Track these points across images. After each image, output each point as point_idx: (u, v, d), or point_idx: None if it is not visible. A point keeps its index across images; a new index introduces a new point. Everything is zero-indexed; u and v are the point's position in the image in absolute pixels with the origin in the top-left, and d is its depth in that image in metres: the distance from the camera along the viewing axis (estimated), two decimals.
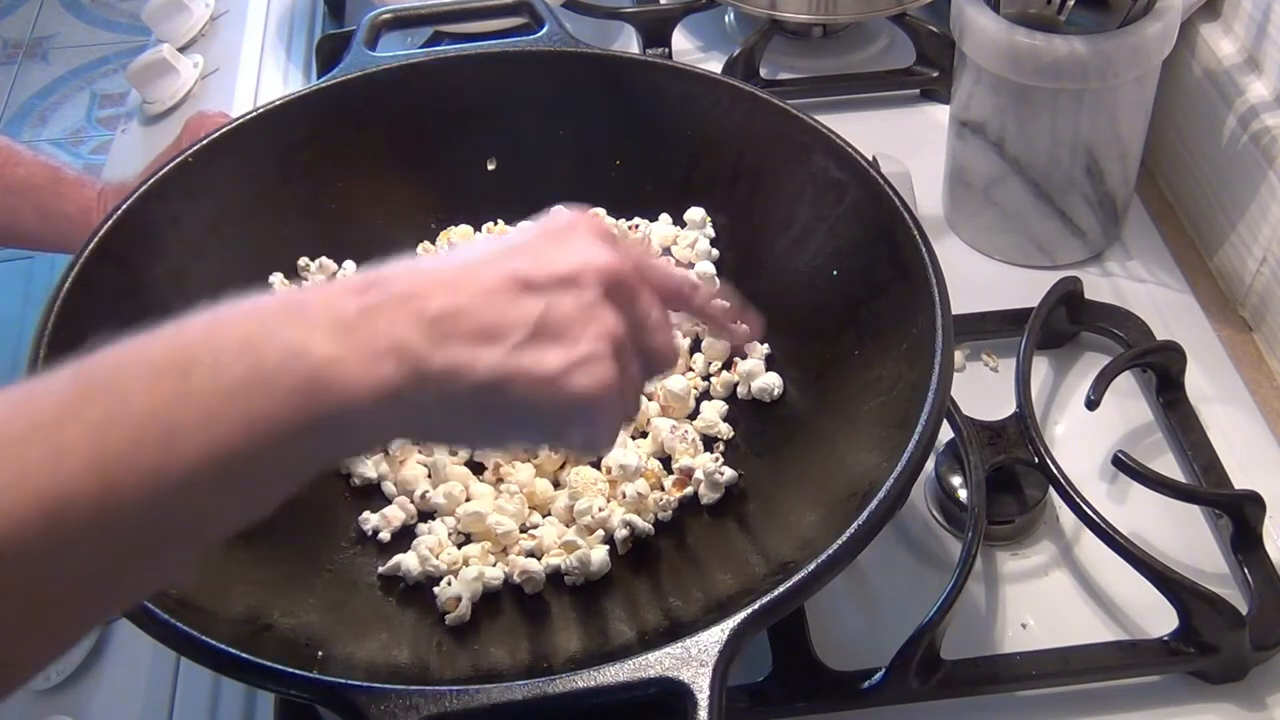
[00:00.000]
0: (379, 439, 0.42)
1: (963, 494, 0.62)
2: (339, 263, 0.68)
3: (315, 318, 0.39)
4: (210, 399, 0.37)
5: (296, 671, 0.45)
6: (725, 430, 0.62)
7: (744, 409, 0.63)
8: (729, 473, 0.59)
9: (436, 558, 0.56)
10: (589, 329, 0.42)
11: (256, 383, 0.37)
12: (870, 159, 0.62)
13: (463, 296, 0.41)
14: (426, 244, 0.70)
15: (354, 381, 0.39)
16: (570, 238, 0.44)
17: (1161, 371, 0.68)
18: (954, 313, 0.55)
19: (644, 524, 0.58)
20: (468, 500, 0.59)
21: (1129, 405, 0.68)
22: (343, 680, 0.45)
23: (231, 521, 0.40)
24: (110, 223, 0.60)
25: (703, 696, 0.43)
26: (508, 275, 0.42)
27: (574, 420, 0.43)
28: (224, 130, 0.66)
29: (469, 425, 0.43)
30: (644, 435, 0.63)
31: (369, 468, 0.61)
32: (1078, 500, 0.59)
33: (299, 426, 0.38)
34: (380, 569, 0.57)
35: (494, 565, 0.57)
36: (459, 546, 0.58)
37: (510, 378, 0.41)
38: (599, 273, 0.43)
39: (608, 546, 0.57)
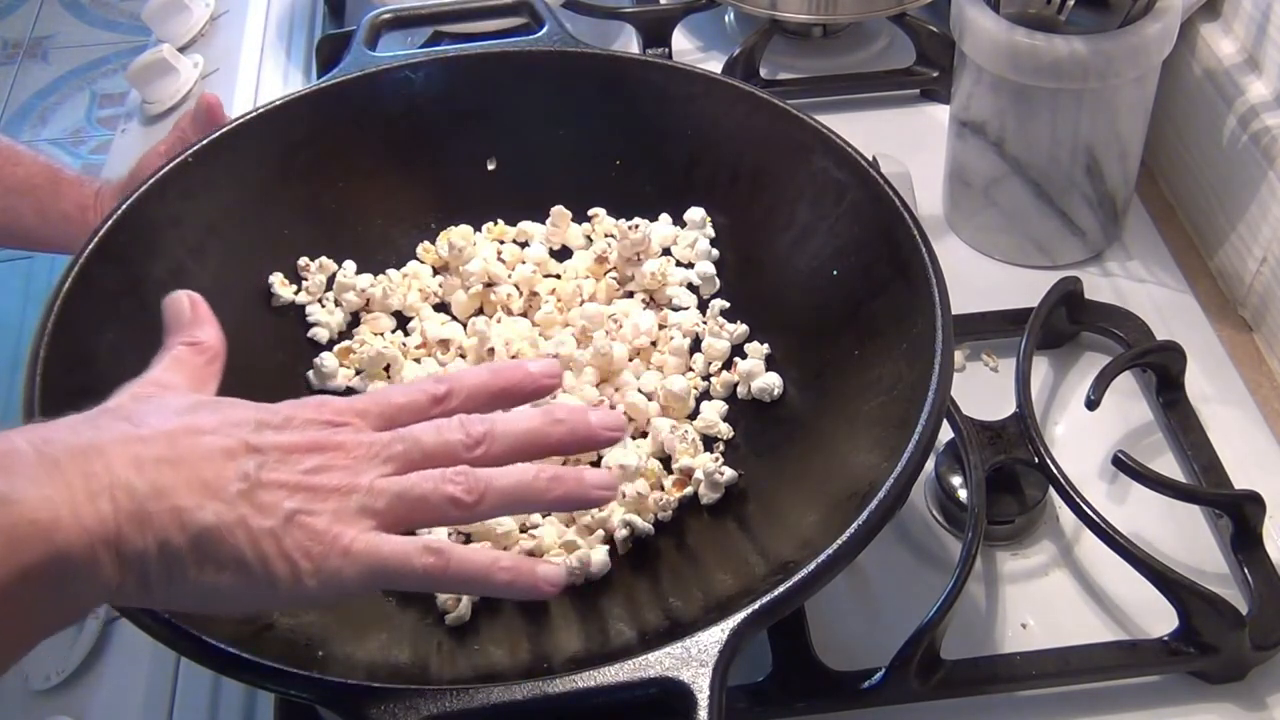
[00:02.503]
0: (102, 593, 0.40)
1: (963, 494, 0.62)
2: (339, 263, 0.68)
3: (20, 462, 0.38)
4: None
5: (296, 671, 0.45)
6: (725, 430, 0.62)
7: (744, 409, 0.63)
8: (729, 473, 0.59)
9: None
10: (314, 482, 0.42)
11: None
12: (870, 159, 0.62)
13: (182, 448, 0.41)
14: (426, 244, 0.70)
15: (67, 523, 0.37)
16: (297, 417, 0.44)
17: (1161, 371, 0.68)
18: (954, 313, 0.55)
19: (644, 524, 0.58)
20: None
21: (1129, 405, 0.68)
22: (343, 680, 0.45)
23: None
24: (110, 223, 0.60)
25: (703, 696, 0.43)
26: (230, 438, 0.42)
27: (292, 573, 0.41)
28: (224, 130, 0.66)
29: (189, 579, 0.41)
30: (644, 435, 0.63)
31: None
32: (1078, 500, 0.59)
33: (9, 579, 0.36)
34: None
35: None
36: None
37: (232, 525, 0.40)
38: (322, 439, 0.43)
39: (608, 546, 0.57)
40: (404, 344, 0.66)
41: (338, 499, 0.43)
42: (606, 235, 0.69)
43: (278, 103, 0.68)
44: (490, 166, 0.71)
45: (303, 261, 0.67)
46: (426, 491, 0.44)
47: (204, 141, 0.65)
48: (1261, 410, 0.68)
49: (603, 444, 0.49)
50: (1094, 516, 0.59)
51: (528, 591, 0.45)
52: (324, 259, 0.68)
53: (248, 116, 0.67)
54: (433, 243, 0.70)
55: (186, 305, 0.50)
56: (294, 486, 0.42)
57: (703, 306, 0.67)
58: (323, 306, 0.67)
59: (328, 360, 0.64)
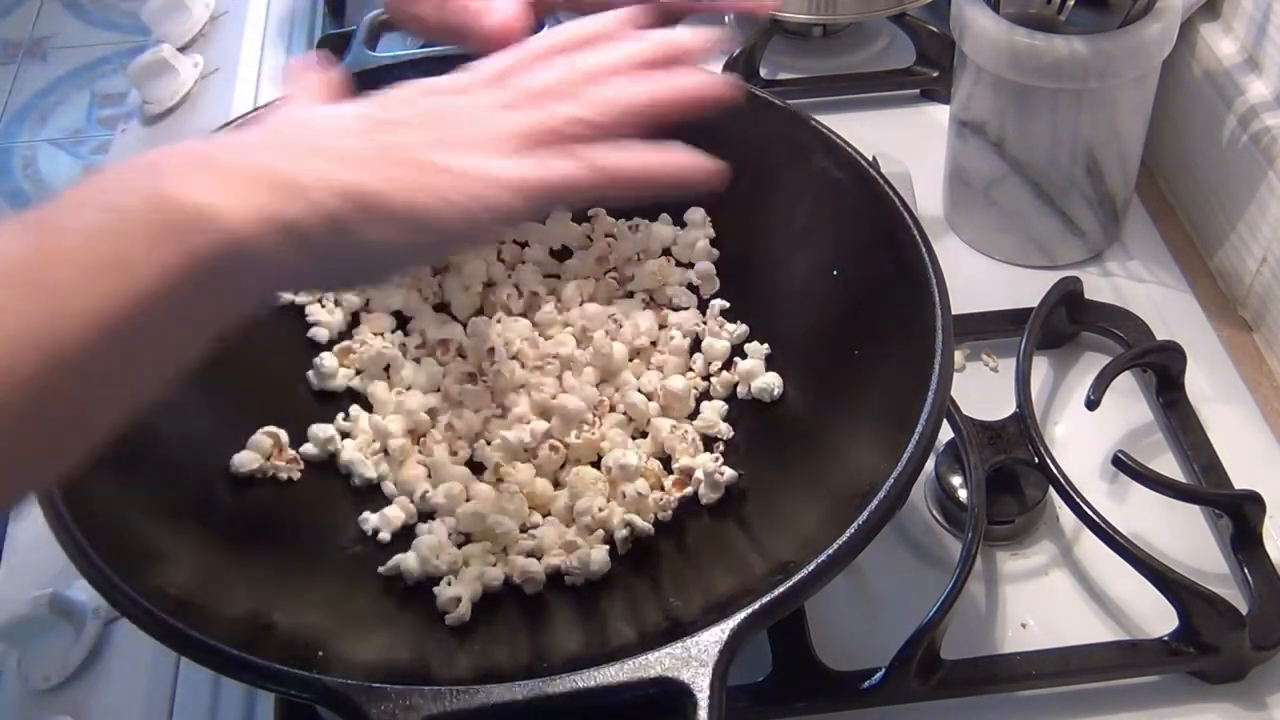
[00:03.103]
0: (276, 278, 0.42)
1: (963, 494, 0.62)
2: None
3: (176, 163, 0.39)
4: (80, 251, 0.36)
5: (296, 671, 0.45)
6: (725, 430, 0.62)
7: (744, 409, 0.63)
8: (729, 473, 0.59)
9: (436, 558, 0.56)
10: (447, 132, 0.44)
11: (121, 227, 0.37)
12: (870, 159, 0.62)
13: (321, 134, 0.44)
14: None
15: (231, 211, 0.38)
16: (412, 95, 0.47)
17: (1161, 371, 0.68)
18: (954, 313, 0.55)
19: (644, 524, 0.58)
20: (468, 500, 0.59)
21: (1129, 405, 0.68)
22: (343, 680, 0.45)
23: (144, 383, 0.39)
24: None
25: (703, 696, 0.43)
26: (359, 119, 0.45)
27: (457, 213, 0.43)
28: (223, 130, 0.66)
29: (358, 241, 0.42)
30: (644, 435, 0.63)
31: (369, 468, 0.61)
32: (1078, 500, 0.59)
33: (182, 267, 0.37)
34: (380, 569, 0.57)
35: (494, 565, 0.57)
36: (459, 546, 0.58)
37: (384, 181, 0.42)
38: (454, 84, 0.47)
39: (608, 546, 0.57)
40: (404, 344, 0.66)
41: (473, 141, 0.44)
42: (606, 235, 0.69)
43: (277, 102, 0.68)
44: None
45: None
46: (553, 119, 0.45)
47: None
48: (1261, 410, 0.68)
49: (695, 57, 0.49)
50: (1094, 516, 0.59)
51: (687, 179, 0.48)
52: None
53: (248, 116, 0.67)
54: None
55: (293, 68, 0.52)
56: (431, 142, 0.43)
57: (703, 306, 0.67)
58: (322, 306, 0.67)
59: (327, 360, 0.64)
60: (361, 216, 0.41)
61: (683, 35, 0.49)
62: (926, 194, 0.78)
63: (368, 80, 0.68)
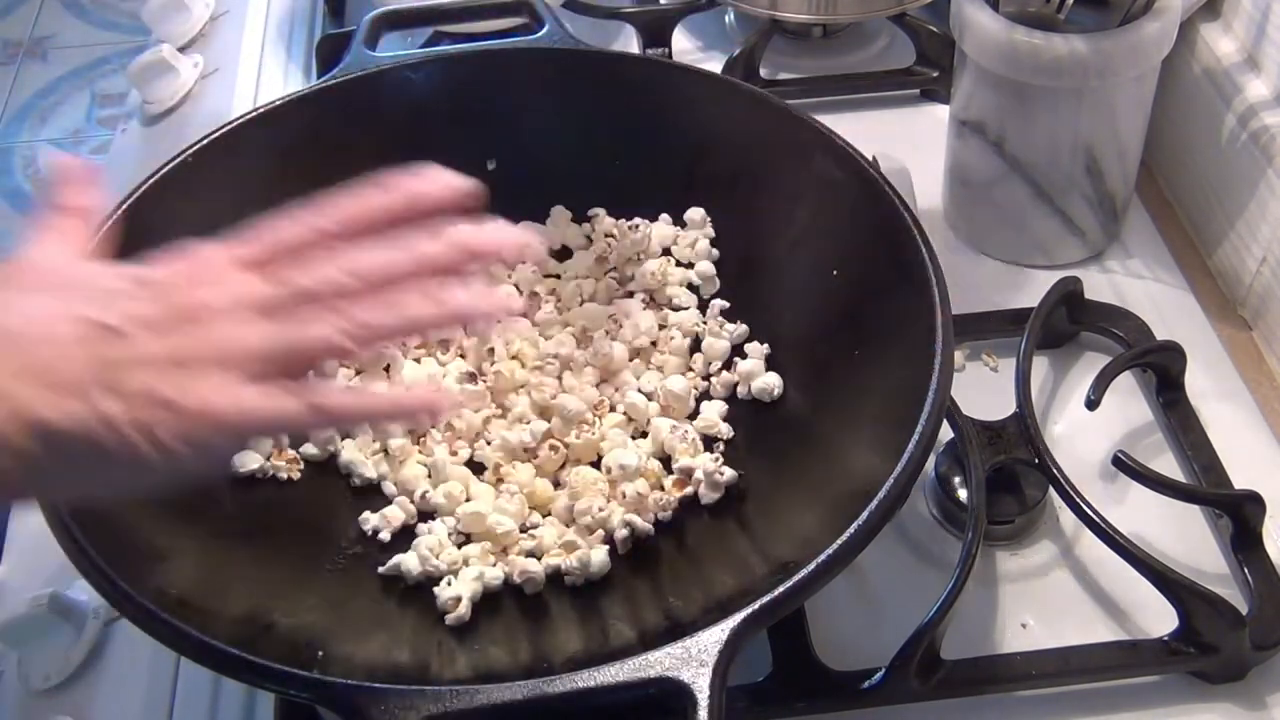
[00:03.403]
0: None
1: (963, 494, 0.62)
2: None
3: None
4: None
5: (296, 671, 0.45)
6: (725, 430, 0.62)
7: (744, 409, 0.63)
8: (729, 473, 0.59)
9: (436, 558, 0.56)
10: (176, 352, 0.41)
11: None
12: (870, 159, 0.62)
13: (26, 341, 0.40)
14: None
15: None
16: (156, 279, 0.43)
17: (1161, 371, 0.68)
18: (954, 313, 0.55)
19: (644, 524, 0.58)
20: (468, 500, 0.59)
21: (1129, 405, 0.68)
22: (343, 680, 0.45)
23: None
24: (110, 222, 0.60)
25: (703, 696, 0.43)
26: (80, 320, 0.40)
27: (165, 455, 0.40)
28: (224, 130, 0.66)
29: (54, 478, 0.40)
30: (644, 435, 0.63)
31: (369, 468, 0.61)
32: (1078, 500, 0.59)
33: None
34: (380, 569, 0.57)
35: (494, 565, 0.57)
36: (459, 546, 0.58)
37: (86, 419, 0.39)
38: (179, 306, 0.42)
39: (608, 546, 0.57)
40: (404, 344, 0.66)
41: (203, 366, 0.41)
42: (606, 235, 0.69)
43: (277, 103, 0.68)
44: (490, 166, 0.71)
45: None
46: (301, 341, 0.42)
47: (204, 141, 0.65)
48: (1261, 410, 0.68)
49: (491, 260, 0.49)
50: (1094, 516, 0.59)
51: (410, 415, 0.47)
52: None
53: (247, 116, 0.67)
54: None
55: (60, 171, 0.48)
56: (153, 362, 0.40)
57: (703, 306, 0.68)
58: None
59: (328, 361, 0.64)
60: (59, 459, 0.39)
61: (484, 237, 0.47)
62: (926, 194, 0.78)
63: (368, 81, 0.69)
